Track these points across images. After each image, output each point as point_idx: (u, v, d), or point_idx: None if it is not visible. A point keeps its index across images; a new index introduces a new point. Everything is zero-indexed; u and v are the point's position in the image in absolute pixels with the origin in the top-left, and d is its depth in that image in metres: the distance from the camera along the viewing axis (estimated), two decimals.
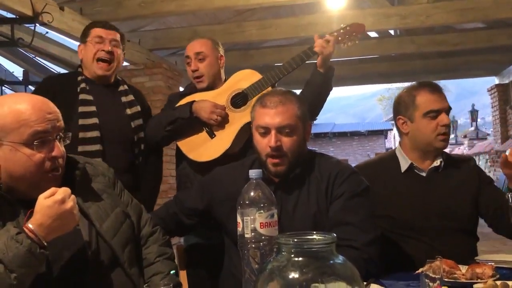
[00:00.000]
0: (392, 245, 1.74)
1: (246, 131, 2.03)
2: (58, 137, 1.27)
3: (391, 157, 1.90)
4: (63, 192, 1.16)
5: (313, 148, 1.80)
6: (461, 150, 13.89)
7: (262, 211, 1.12)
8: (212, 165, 1.88)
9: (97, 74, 2.12)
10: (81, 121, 2.04)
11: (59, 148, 1.26)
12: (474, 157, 9.73)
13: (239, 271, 1.20)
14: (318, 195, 1.52)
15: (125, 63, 5.04)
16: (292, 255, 0.80)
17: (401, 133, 1.89)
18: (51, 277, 1.21)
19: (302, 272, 0.78)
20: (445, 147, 1.81)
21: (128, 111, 2.17)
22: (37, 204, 1.15)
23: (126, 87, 2.25)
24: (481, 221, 1.89)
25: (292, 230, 0.98)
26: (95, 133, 2.04)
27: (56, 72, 6.22)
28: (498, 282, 1.21)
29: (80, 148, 1.98)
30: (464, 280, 1.33)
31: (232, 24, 5.61)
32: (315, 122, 2.24)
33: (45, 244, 1.13)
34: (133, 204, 1.51)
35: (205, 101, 2.12)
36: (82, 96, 2.08)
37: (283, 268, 0.80)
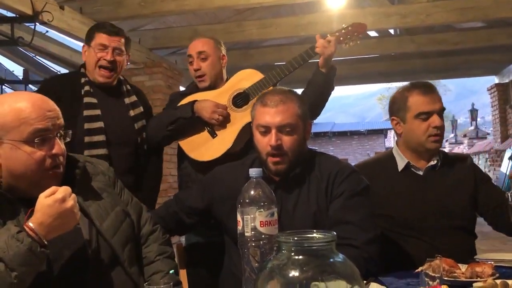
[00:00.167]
0: (391, 244, 1.74)
1: (247, 130, 2.03)
2: (58, 134, 1.27)
3: (388, 157, 1.91)
4: (63, 191, 1.17)
5: (313, 148, 1.80)
6: (461, 149, 13.90)
7: (262, 209, 1.12)
8: (214, 164, 1.88)
9: (98, 81, 2.12)
10: (86, 125, 2.04)
11: (60, 146, 1.27)
12: (474, 156, 9.77)
13: (239, 269, 1.20)
14: (318, 194, 1.52)
15: None
16: (292, 254, 0.80)
17: (396, 133, 1.90)
18: (52, 275, 1.22)
19: (302, 270, 0.78)
20: (438, 148, 1.81)
21: (131, 113, 2.18)
22: (37, 203, 1.15)
23: (128, 87, 2.25)
24: (481, 220, 1.89)
25: (292, 229, 0.98)
26: (101, 137, 2.05)
27: (56, 71, 6.23)
28: (498, 281, 1.21)
29: (86, 153, 1.98)
30: (463, 279, 1.33)
31: (232, 23, 5.61)
32: (314, 121, 2.24)
33: (46, 243, 1.13)
34: (133, 203, 1.52)
35: (207, 100, 2.12)
36: (86, 100, 2.08)
37: (283, 267, 0.80)
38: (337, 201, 1.50)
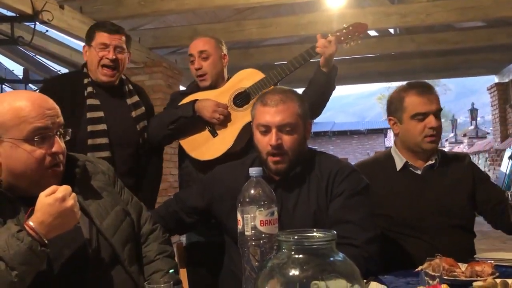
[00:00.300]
0: (391, 243, 1.74)
1: (248, 130, 2.04)
2: (58, 133, 1.27)
3: (386, 156, 1.91)
4: (64, 190, 1.17)
5: (313, 147, 1.80)
6: (461, 148, 13.91)
7: (262, 209, 1.12)
8: (214, 163, 1.88)
9: (101, 80, 2.12)
10: (90, 128, 2.04)
11: (60, 144, 1.27)
12: (474, 155, 9.77)
13: (239, 269, 1.20)
14: (318, 193, 1.52)
15: None
16: (293, 253, 0.80)
17: (393, 133, 1.90)
18: (52, 274, 1.22)
19: (302, 269, 0.78)
20: (434, 148, 1.80)
21: (133, 114, 2.18)
22: (38, 202, 1.15)
23: (130, 87, 2.24)
24: (481, 220, 1.89)
25: (292, 228, 0.98)
26: (104, 140, 2.05)
27: (56, 70, 6.23)
28: (498, 280, 1.21)
29: (89, 155, 1.98)
30: (463, 278, 1.33)
31: (232, 22, 5.61)
32: (314, 120, 2.24)
33: (46, 242, 1.13)
34: (133, 202, 1.52)
35: (208, 100, 2.12)
36: (89, 101, 2.08)
37: (284, 266, 0.80)
38: (337, 200, 1.50)
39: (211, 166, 1.83)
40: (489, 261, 1.42)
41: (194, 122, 2.13)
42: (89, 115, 2.06)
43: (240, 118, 2.11)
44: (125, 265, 1.34)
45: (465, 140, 14.20)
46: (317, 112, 2.18)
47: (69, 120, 1.91)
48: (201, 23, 5.67)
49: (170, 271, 1.40)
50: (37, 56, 6.01)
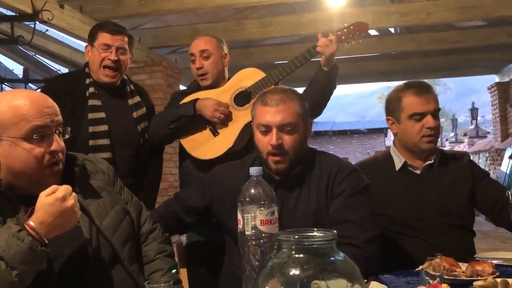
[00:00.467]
0: (391, 243, 1.74)
1: (249, 129, 2.04)
2: (57, 131, 1.27)
3: (386, 156, 1.91)
4: (64, 189, 1.17)
5: (313, 146, 1.80)
6: (461, 148, 13.89)
7: (262, 208, 1.12)
8: (215, 163, 1.88)
9: (103, 81, 2.12)
10: (91, 129, 2.04)
11: (59, 142, 1.27)
12: (474, 155, 9.76)
13: (239, 268, 1.20)
14: (318, 193, 1.52)
15: None
16: (293, 252, 0.80)
17: (392, 132, 1.90)
18: (52, 274, 1.22)
19: (302, 269, 0.78)
20: (432, 148, 1.80)
21: (135, 114, 2.18)
22: (38, 202, 1.15)
23: (132, 87, 2.24)
24: (481, 219, 1.89)
25: (292, 227, 0.98)
26: (105, 141, 2.05)
27: (56, 69, 6.23)
28: (498, 280, 1.21)
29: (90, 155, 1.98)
30: (464, 278, 1.33)
31: (232, 22, 5.61)
32: (315, 120, 2.24)
33: (46, 241, 1.13)
34: (133, 202, 1.52)
35: (209, 99, 2.12)
36: (91, 102, 2.08)
37: (284, 265, 0.79)
38: (338, 200, 1.50)
39: (212, 166, 1.83)
40: (489, 261, 1.42)
41: (195, 121, 2.13)
42: (90, 116, 2.06)
43: (241, 117, 2.11)
44: (125, 264, 1.34)
45: (466, 140, 14.18)
46: (318, 112, 2.18)
47: (70, 120, 1.91)
48: (201, 23, 5.67)
49: (173, 271, 1.40)
50: (37, 55, 6.01)
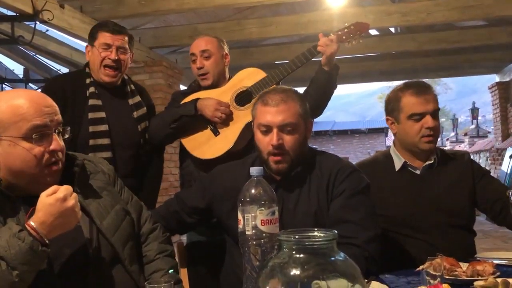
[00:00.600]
0: (391, 243, 1.74)
1: (250, 129, 2.04)
2: (56, 131, 1.27)
3: (385, 156, 1.90)
4: (65, 190, 1.17)
5: (314, 146, 1.80)
6: (462, 147, 13.88)
7: (263, 208, 1.12)
8: (216, 162, 1.88)
9: (103, 80, 2.12)
10: (91, 128, 2.04)
11: (58, 142, 1.27)
12: (475, 155, 9.75)
13: (240, 268, 1.20)
14: (319, 193, 1.52)
15: None
16: (293, 252, 0.80)
17: (392, 132, 1.90)
18: (52, 274, 1.22)
19: (303, 269, 0.78)
20: (431, 148, 1.80)
21: (135, 114, 2.18)
22: (39, 202, 1.15)
23: (132, 87, 2.24)
24: (482, 219, 1.89)
25: (293, 227, 0.98)
26: (105, 140, 2.05)
27: (56, 69, 6.23)
28: (499, 280, 1.21)
29: (90, 155, 1.98)
30: (464, 278, 1.33)
31: (232, 22, 5.61)
32: (315, 120, 2.24)
33: (47, 242, 1.13)
34: (133, 202, 1.52)
35: (210, 98, 2.13)
36: (91, 102, 2.08)
37: (284, 265, 0.79)
38: (338, 200, 1.50)
39: (213, 165, 1.83)
40: (490, 261, 1.41)
41: (196, 121, 2.13)
42: (90, 115, 2.06)
43: (242, 117, 2.11)
44: (126, 264, 1.34)
45: (466, 139, 14.17)
46: (319, 112, 2.18)
47: (71, 119, 1.91)
48: (201, 23, 5.67)
49: (170, 270, 1.40)
50: (37, 55, 6.01)
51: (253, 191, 1.15)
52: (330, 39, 2.07)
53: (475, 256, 1.66)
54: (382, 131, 23.15)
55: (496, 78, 9.17)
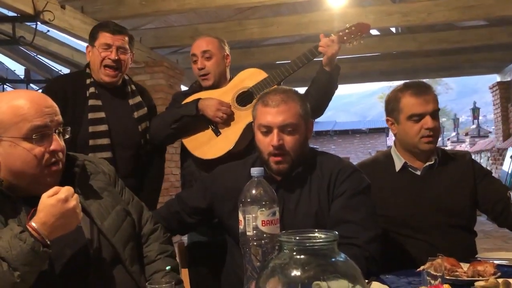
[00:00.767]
0: (392, 244, 1.74)
1: (251, 129, 2.03)
2: (57, 131, 1.28)
3: (386, 157, 1.90)
4: (66, 191, 1.17)
5: (315, 146, 1.80)
6: (463, 147, 13.87)
7: (263, 209, 1.12)
8: (217, 163, 1.88)
9: (103, 81, 2.12)
10: (91, 128, 2.05)
11: (59, 142, 1.27)
12: (476, 155, 9.73)
13: (241, 268, 1.20)
14: (319, 193, 1.52)
15: None
16: (294, 253, 0.80)
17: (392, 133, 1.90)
18: (53, 274, 1.22)
19: (304, 269, 0.78)
20: (431, 149, 1.79)
21: (135, 114, 2.18)
22: (40, 203, 1.15)
23: (133, 87, 2.24)
24: (483, 219, 1.89)
25: (294, 228, 0.98)
26: (105, 141, 2.06)
27: (57, 70, 6.24)
28: (500, 280, 1.21)
29: (91, 156, 1.98)
30: (465, 278, 1.33)
31: (233, 22, 5.61)
32: (316, 120, 2.24)
33: (48, 242, 1.13)
34: (134, 202, 1.52)
35: (211, 98, 2.13)
36: (91, 102, 2.09)
37: (285, 266, 0.80)
38: (339, 200, 1.50)
39: (214, 165, 1.83)
40: (491, 261, 1.41)
41: (197, 121, 2.14)
42: (90, 115, 2.06)
43: (243, 117, 2.11)
44: (126, 265, 1.34)
45: (467, 139, 14.16)
46: (320, 112, 2.18)
47: (71, 120, 1.92)
48: (202, 23, 5.67)
49: (167, 267, 1.40)
50: (38, 56, 6.02)
51: (253, 191, 1.15)
52: (331, 39, 2.07)
53: (476, 256, 1.66)
54: (383, 131, 23.14)
55: (497, 78, 9.16)
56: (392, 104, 1.84)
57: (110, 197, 1.41)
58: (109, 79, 2.11)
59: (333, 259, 0.80)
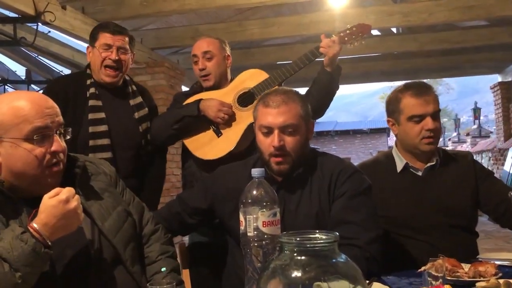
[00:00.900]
0: (393, 244, 1.74)
1: (252, 130, 2.03)
2: (58, 132, 1.28)
3: (387, 157, 1.90)
4: (67, 191, 1.17)
5: (315, 147, 1.80)
6: (464, 147, 13.85)
7: (264, 209, 1.12)
8: (218, 163, 1.88)
9: (104, 81, 2.12)
10: (91, 129, 2.05)
11: (59, 143, 1.27)
12: (477, 155, 9.72)
13: (242, 269, 1.20)
14: (320, 194, 1.52)
15: None
16: (295, 254, 0.80)
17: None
18: (54, 275, 1.22)
19: (304, 271, 0.78)
20: (432, 150, 1.79)
21: (136, 115, 2.18)
22: (41, 204, 1.15)
23: (134, 87, 2.25)
24: (484, 219, 1.89)
25: (294, 229, 0.98)
26: (105, 141, 2.06)
27: (58, 70, 6.24)
28: (501, 281, 1.21)
29: (91, 156, 1.98)
30: (466, 279, 1.33)
31: (234, 22, 5.61)
32: (317, 120, 2.24)
33: (50, 243, 1.14)
34: (135, 203, 1.52)
35: (212, 99, 2.13)
36: (91, 102, 2.09)
37: (286, 267, 0.80)
38: (340, 201, 1.50)
39: (215, 166, 1.83)
40: (492, 262, 1.41)
41: (199, 122, 2.14)
42: (90, 116, 2.07)
43: (245, 118, 2.11)
44: (127, 265, 1.34)
45: (468, 140, 14.14)
46: (321, 112, 2.18)
47: (71, 120, 1.92)
48: (203, 23, 5.67)
49: (162, 269, 1.40)
50: (39, 56, 6.03)
51: (254, 192, 1.15)
52: (332, 40, 2.07)
53: (477, 257, 1.66)
54: (384, 131, 23.11)
55: (498, 78, 9.16)
56: (392, 105, 1.83)
57: (111, 198, 1.41)
58: (110, 79, 2.11)
59: (334, 260, 0.80)
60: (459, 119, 18.97)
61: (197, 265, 1.87)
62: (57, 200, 1.15)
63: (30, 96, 1.27)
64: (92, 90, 2.11)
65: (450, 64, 8.04)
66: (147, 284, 1.14)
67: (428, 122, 1.74)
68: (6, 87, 5.87)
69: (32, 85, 6.02)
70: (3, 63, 6.55)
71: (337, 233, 0.83)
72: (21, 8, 3.66)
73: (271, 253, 1.10)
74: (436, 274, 1.16)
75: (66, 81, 2.30)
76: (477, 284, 1.23)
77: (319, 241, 0.82)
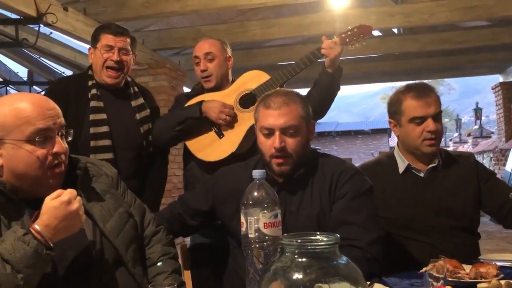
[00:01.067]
0: (394, 245, 1.74)
1: (254, 131, 2.04)
2: (59, 133, 1.28)
3: (389, 158, 1.90)
4: (69, 193, 1.17)
5: (316, 147, 1.80)
6: (465, 148, 13.84)
7: (265, 211, 1.12)
8: (220, 165, 1.88)
9: (106, 82, 2.13)
10: (92, 130, 2.05)
11: (61, 144, 1.27)
12: (478, 155, 9.71)
13: (243, 270, 1.20)
14: (321, 195, 1.52)
15: None
16: (296, 256, 0.80)
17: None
18: (56, 276, 1.22)
19: (305, 272, 0.78)
20: (434, 151, 1.79)
21: (138, 116, 2.18)
22: (43, 206, 1.16)
23: (136, 89, 2.25)
24: (486, 220, 1.88)
25: (296, 230, 0.98)
26: (106, 142, 2.06)
27: (60, 72, 6.26)
28: (503, 282, 1.20)
29: (92, 157, 1.98)
30: (468, 280, 1.33)
31: (235, 23, 5.62)
32: (318, 120, 2.25)
33: (52, 245, 1.14)
34: (136, 204, 1.52)
35: (214, 101, 2.13)
36: (93, 103, 2.09)
37: (287, 269, 0.80)
38: (341, 202, 1.50)
39: (217, 167, 1.83)
40: (493, 263, 1.41)
41: (200, 123, 2.14)
42: (92, 117, 2.07)
43: (247, 119, 2.12)
44: (129, 267, 1.34)
45: (470, 140, 14.12)
46: (322, 113, 2.18)
47: (73, 121, 1.92)
48: (204, 24, 5.68)
49: (159, 264, 1.40)
50: (41, 58, 6.04)
51: (255, 194, 1.15)
52: (333, 41, 2.07)
53: (479, 258, 1.66)
54: (386, 131, 23.08)
55: (499, 78, 9.15)
56: (394, 107, 1.83)
57: (113, 199, 1.41)
58: (111, 80, 2.11)
59: (335, 262, 0.80)
60: (461, 119, 18.95)
61: (198, 267, 1.87)
62: (59, 202, 1.15)
63: (31, 98, 1.28)
64: (93, 91, 2.12)
65: (451, 65, 8.03)
66: (149, 286, 1.14)
67: (429, 124, 1.74)
68: (8, 88, 5.88)
69: (34, 86, 6.03)
70: (5, 64, 6.56)
71: (338, 235, 0.83)
72: (23, 9, 3.67)
73: (272, 254, 1.11)
74: (437, 275, 1.16)
75: (68, 82, 2.30)
76: (479, 285, 1.23)
77: (320, 243, 0.82)
